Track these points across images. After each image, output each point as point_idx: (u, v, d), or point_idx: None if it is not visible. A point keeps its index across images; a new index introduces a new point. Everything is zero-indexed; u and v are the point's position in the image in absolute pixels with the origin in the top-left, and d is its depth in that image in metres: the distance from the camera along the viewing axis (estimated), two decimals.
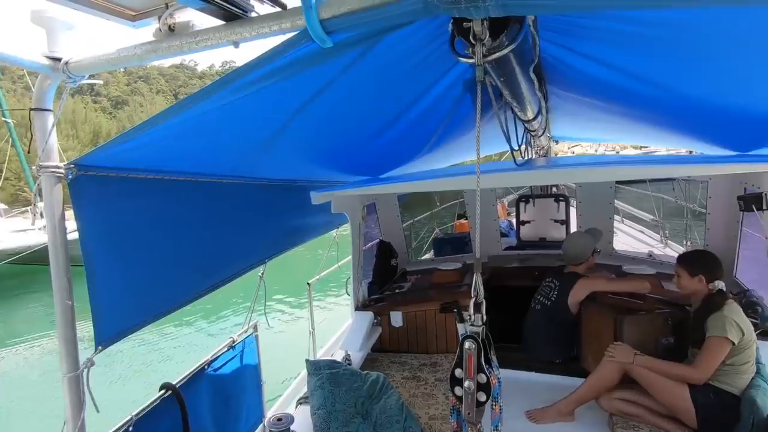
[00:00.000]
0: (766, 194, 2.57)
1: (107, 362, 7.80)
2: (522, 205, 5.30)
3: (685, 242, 5.41)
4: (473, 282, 1.10)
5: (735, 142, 2.43)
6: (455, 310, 3.40)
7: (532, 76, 1.61)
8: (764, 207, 2.60)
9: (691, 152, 4.38)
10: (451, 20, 1.14)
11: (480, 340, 1.11)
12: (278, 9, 1.11)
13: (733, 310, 2.36)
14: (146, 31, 1.39)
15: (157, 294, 2.08)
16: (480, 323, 1.12)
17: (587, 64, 1.83)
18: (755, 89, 1.68)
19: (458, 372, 1.15)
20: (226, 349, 2.84)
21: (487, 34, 1.03)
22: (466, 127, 3.07)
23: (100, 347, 1.73)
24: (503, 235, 5.80)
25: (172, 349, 8.98)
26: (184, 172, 2.06)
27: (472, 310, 1.12)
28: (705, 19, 1.16)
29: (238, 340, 2.96)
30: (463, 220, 7.15)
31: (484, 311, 1.12)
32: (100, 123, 50.08)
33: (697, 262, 2.57)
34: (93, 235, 1.68)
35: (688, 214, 5.05)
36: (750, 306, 2.81)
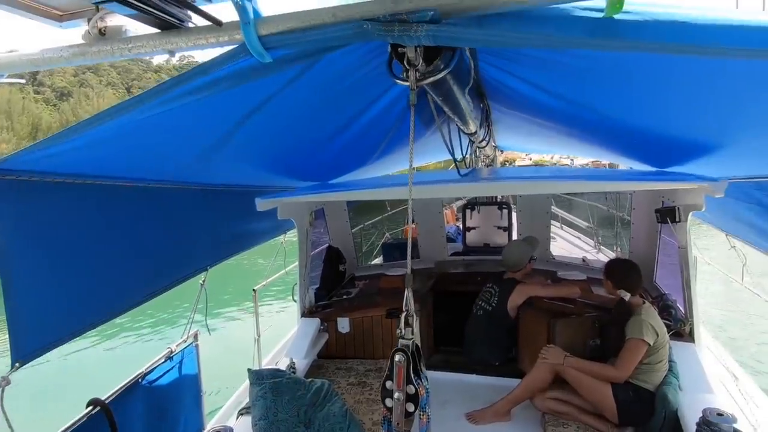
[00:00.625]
0: (679, 208, 2.84)
1: (28, 376, 7.17)
2: (468, 212, 5.48)
3: (615, 248, 5.83)
4: (404, 296, 1.15)
5: (655, 159, 2.68)
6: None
7: (468, 98, 1.69)
8: (678, 219, 2.87)
9: (618, 166, 4.74)
10: (389, 43, 1.18)
11: (410, 353, 1.16)
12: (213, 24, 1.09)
13: (650, 314, 2.59)
14: (74, 33, 1.32)
15: (86, 305, 1.97)
16: (410, 336, 1.17)
17: (523, 86, 1.95)
18: (669, 117, 1.87)
19: (389, 384, 1.19)
20: (162, 360, 2.73)
21: (421, 60, 1.08)
22: (414, 137, 3.15)
23: (17, 364, 1.62)
24: (451, 240, 5.97)
25: (105, 362, 8.35)
26: (117, 177, 1.97)
27: (402, 324, 1.16)
28: (625, 55, 1.28)
29: (177, 351, 2.86)
30: (413, 225, 7.28)
31: (413, 325, 1.17)
32: (40, 115, 45.76)
33: (610, 269, 2.82)
34: (11, 243, 1.57)
35: (618, 222, 5.44)
36: (665, 309, 3.09)
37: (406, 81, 1.14)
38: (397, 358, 1.17)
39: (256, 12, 1.06)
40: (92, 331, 2.07)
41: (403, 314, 1.17)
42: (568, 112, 2.19)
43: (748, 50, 0.86)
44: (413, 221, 6.91)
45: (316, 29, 1.03)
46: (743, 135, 1.82)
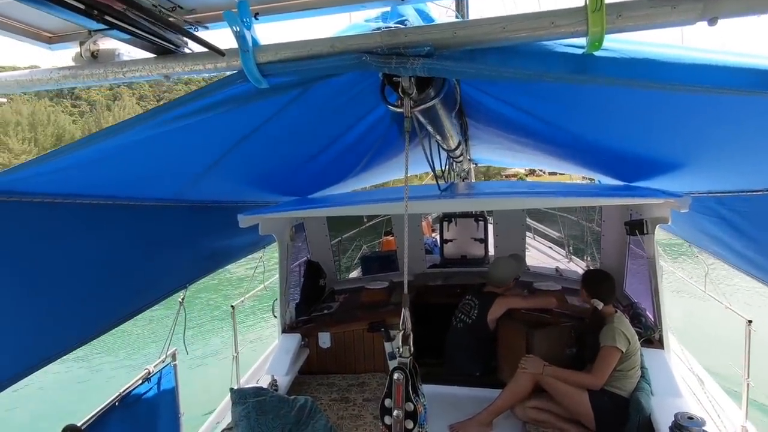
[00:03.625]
0: (646, 221, 3.00)
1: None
2: (445, 224, 5.58)
3: (585, 258, 6.04)
4: (401, 315, 1.18)
5: (625, 174, 2.83)
6: (383, 329, 3.48)
7: (453, 120, 1.76)
8: (645, 232, 3.03)
9: (591, 180, 4.95)
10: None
11: (408, 371, 1.19)
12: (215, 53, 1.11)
13: (622, 322, 2.71)
14: (65, 54, 1.32)
15: (62, 328, 1.91)
16: (408, 355, 1.20)
17: (501, 105, 2.04)
18: (638, 137, 1.99)
19: (387, 402, 1.22)
20: (140, 381, 2.65)
21: (415, 90, 1.13)
22: (394, 152, 3.21)
23: None
24: (428, 252, 6.04)
25: (81, 385, 7.92)
26: (96, 196, 1.92)
27: (400, 343, 1.19)
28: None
29: (154, 371, 2.78)
30: (390, 237, 7.32)
31: (411, 344, 1.20)
32: (64, 127, 46.56)
33: (585, 279, 2.95)
34: None
35: (588, 233, 5.65)
36: (636, 317, 3.23)
37: (400, 108, 1.19)
38: (396, 376, 1.20)
39: (254, 40, 1.09)
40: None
41: (401, 333, 1.20)
42: (544, 130, 2.30)
43: (710, 88, 0.95)
44: (391, 234, 6.99)
45: (314, 59, 1.07)
46: (703, 155, 1.96)
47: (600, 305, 2.78)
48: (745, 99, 1.02)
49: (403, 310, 1.19)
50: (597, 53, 1.01)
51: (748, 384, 2.80)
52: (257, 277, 4.02)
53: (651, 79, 0.96)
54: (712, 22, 0.91)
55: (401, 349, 1.20)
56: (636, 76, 0.97)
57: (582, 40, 1.00)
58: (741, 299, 8.64)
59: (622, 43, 1.03)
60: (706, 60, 0.96)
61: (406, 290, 1.22)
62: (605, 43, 0.98)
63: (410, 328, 1.21)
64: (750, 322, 2.86)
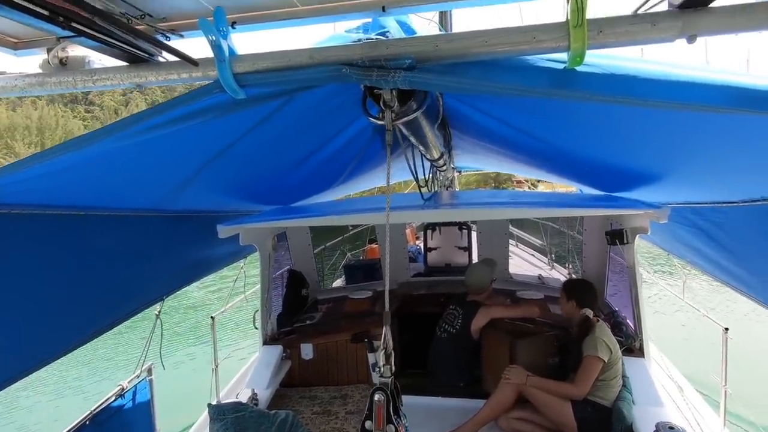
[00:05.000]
0: (626, 231, 3.04)
1: None
2: (429, 232, 5.57)
3: (567, 265, 6.11)
4: (383, 335, 1.15)
5: (605, 184, 2.87)
6: (366, 339, 3.44)
7: (435, 132, 1.75)
8: (625, 241, 3.07)
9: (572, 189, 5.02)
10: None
11: (389, 392, 1.16)
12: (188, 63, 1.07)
13: (603, 331, 2.72)
14: (31, 60, 1.26)
15: (32, 343, 1.82)
16: (389, 374, 1.17)
17: (484, 117, 2.05)
18: (618, 150, 2.02)
19: (368, 424, 1.18)
20: (113, 398, 2.55)
21: (396, 102, 1.11)
22: (377, 161, 3.19)
23: None
24: (412, 260, 6.02)
25: (49, 403, 7.58)
26: (69, 207, 1.85)
27: (381, 361, 1.16)
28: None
29: (129, 387, 2.68)
30: (374, 245, 7.29)
31: (393, 363, 1.17)
32: (72, 131, 47.13)
33: (572, 289, 2.96)
34: None
35: (570, 241, 5.71)
36: (617, 326, 3.26)
37: (382, 121, 1.17)
38: (376, 397, 1.16)
39: (231, 50, 1.06)
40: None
41: (382, 351, 1.17)
42: (526, 142, 2.31)
43: (689, 105, 0.96)
44: (374, 241, 6.95)
45: (293, 70, 1.04)
46: (681, 168, 1.99)
47: (591, 313, 2.80)
48: (721, 116, 1.03)
49: (384, 328, 1.16)
50: (579, 68, 1.00)
51: (725, 391, 2.85)
52: (238, 288, 3.94)
53: (631, 96, 0.96)
54: (690, 39, 0.91)
55: (382, 369, 1.17)
56: (617, 93, 0.97)
57: (564, 55, 1.00)
58: (718, 307, 8.86)
59: (604, 58, 1.03)
60: (684, 77, 0.96)
61: (387, 307, 1.19)
62: (587, 59, 0.98)
63: (391, 347, 1.18)
64: (726, 330, 2.91)
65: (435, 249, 5.56)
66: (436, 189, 4.30)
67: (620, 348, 2.81)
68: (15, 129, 44.06)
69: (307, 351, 3.55)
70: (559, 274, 5.82)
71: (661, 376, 3.10)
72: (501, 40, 0.96)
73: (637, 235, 2.94)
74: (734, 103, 0.91)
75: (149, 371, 2.86)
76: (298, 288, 4.23)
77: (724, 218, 2.18)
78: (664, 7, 0.93)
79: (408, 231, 7.52)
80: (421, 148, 2.17)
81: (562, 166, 2.86)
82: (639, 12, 0.94)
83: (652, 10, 0.93)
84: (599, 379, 2.66)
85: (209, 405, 2.53)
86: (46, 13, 0.84)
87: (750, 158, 1.49)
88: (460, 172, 8.78)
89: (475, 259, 5.35)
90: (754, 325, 8.14)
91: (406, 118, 1.18)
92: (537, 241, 7.93)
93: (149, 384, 2.87)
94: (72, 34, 0.93)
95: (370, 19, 1.16)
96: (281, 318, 3.89)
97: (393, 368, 1.18)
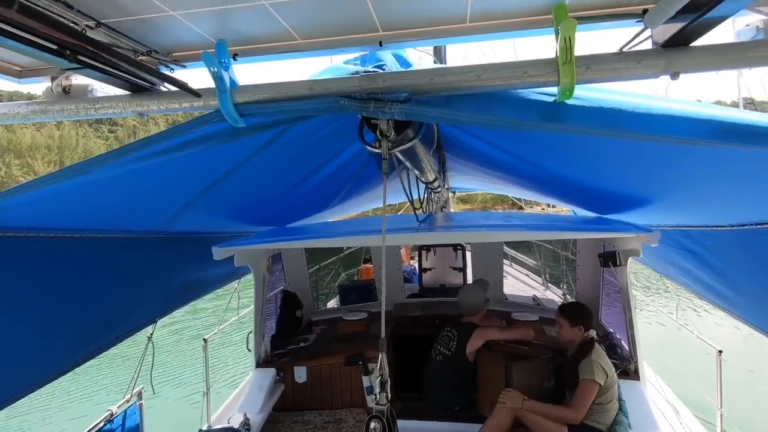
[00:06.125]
0: (619, 253, 3.07)
1: None
2: (424, 253, 5.58)
3: (562, 286, 6.12)
4: (379, 362, 1.15)
5: (597, 207, 2.91)
6: (360, 362, 3.40)
7: (432, 157, 1.79)
8: (618, 263, 3.10)
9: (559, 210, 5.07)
10: None
11: (385, 419, 1.15)
12: (191, 95, 1.10)
13: (599, 355, 2.72)
14: (34, 87, 1.28)
15: (21, 369, 1.79)
16: (385, 402, 1.16)
17: (478, 142, 2.09)
18: (611, 175, 2.06)
19: None
20: (102, 423, 2.50)
21: (393, 131, 1.14)
22: (372, 184, 3.23)
23: None
24: (407, 280, 6.01)
25: (39, 428, 7.36)
26: (63, 229, 1.84)
27: (378, 389, 1.16)
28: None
29: (118, 412, 2.62)
30: (368, 265, 7.27)
31: (389, 390, 1.17)
32: (90, 149, 49.40)
33: (575, 313, 2.92)
34: None
35: (564, 262, 5.74)
36: (612, 348, 3.26)
37: (378, 149, 1.20)
38: (372, 425, 1.15)
39: (233, 81, 1.09)
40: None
41: (378, 379, 1.17)
42: (520, 166, 2.35)
43: (676, 138, 1.00)
44: (369, 261, 6.94)
45: (293, 101, 1.07)
46: (671, 192, 2.04)
47: (594, 334, 2.79)
48: (706, 149, 1.07)
49: (380, 355, 1.16)
50: (569, 101, 1.04)
51: (721, 414, 2.84)
52: (231, 309, 3.91)
53: (619, 130, 1.00)
54: (674, 76, 0.96)
55: (378, 396, 1.17)
56: (605, 126, 1.01)
57: (554, 89, 1.04)
58: (713, 328, 8.87)
59: (593, 91, 1.07)
60: (669, 110, 1.00)
61: (383, 334, 1.20)
62: (576, 92, 1.02)
63: (387, 375, 1.18)
64: (720, 352, 2.92)
65: (430, 270, 5.56)
66: (430, 210, 4.33)
67: (615, 371, 2.80)
68: (37, 148, 46.55)
69: (300, 374, 3.50)
70: (554, 295, 5.82)
71: (657, 399, 3.09)
72: (493, 75, 1.00)
73: (630, 258, 2.97)
74: (717, 136, 0.95)
75: (139, 395, 2.81)
76: (292, 309, 4.20)
77: (713, 242, 2.21)
78: (648, 45, 0.97)
79: (403, 251, 7.52)
80: (417, 171, 2.20)
81: (555, 188, 2.91)
82: (624, 50, 0.99)
83: (636, 48, 0.98)
84: (595, 403, 2.64)
85: (200, 431, 2.49)
86: (54, 47, 0.87)
87: (736, 185, 1.54)
88: (454, 192, 8.86)
89: (470, 279, 5.35)
90: (750, 346, 8.15)
91: (402, 147, 1.21)
92: (531, 262, 7.96)
93: (139, 408, 2.81)
94: (78, 66, 0.96)
95: (367, 52, 1.20)
96: (275, 340, 3.85)
97: (389, 395, 1.18)
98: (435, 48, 3.15)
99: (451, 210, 9.54)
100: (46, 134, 48.23)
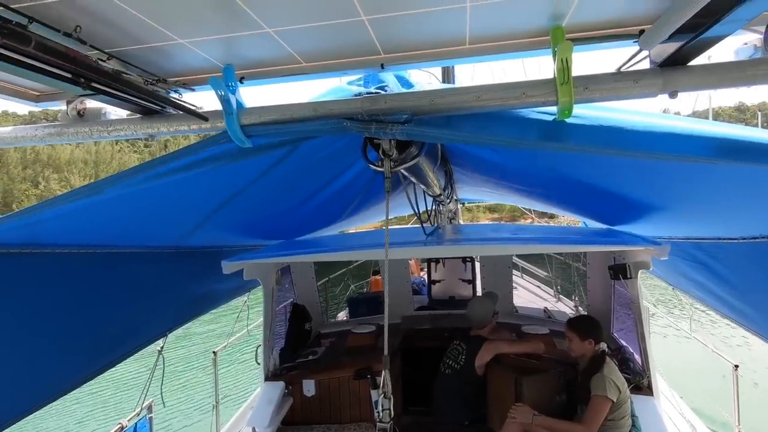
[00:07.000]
0: (629, 266, 3.03)
1: None
2: (433, 264, 5.56)
3: (573, 297, 6.04)
4: (382, 379, 1.16)
5: (607, 218, 2.89)
6: (369, 376, 3.39)
7: (437, 171, 1.81)
8: (629, 276, 3.06)
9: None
10: None
11: None
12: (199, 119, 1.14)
13: (612, 370, 2.67)
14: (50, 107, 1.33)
15: (33, 383, 1.83)
16: (388, 419, 1.16)
17: (485, 152, 2.10)
18: (621, 183, 2.05)
19: None
20: None
21: (395, 150, 1.17)
22: (379, 199, 3.25)
23: None
24: (416, 292, 5.98)
25: None
26: (71, 245, 1.88)
27: (381, 406, 1.16)
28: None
29: (128, 426, 2.65)
30: (378, 276, 7.26)
31: (392, 407, 1.17)
32: (125, 163, 51.91)
33: (584, 327, 2.88)
34: None
35: (575, 274, 5.67)
36: (624, 362, 3.20)
37: (381, 168, 1.22)
38: None
39: (239, 103, 1.13)
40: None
41: (381, 396, 1.17)
42: (528, 178, 2.36)
43: (676, 156, 1.00)
44: (378, 273, 6.93)
45: (297, 122, 1.10)
46: (680, 204, 2.03)
47: (605, 347, 2.75)
48: (709, 166, 1.07)
49: (383, 372, 1.17)
50: (568, 120, 1.05)
51: (739, 431, 2.77)
52: (241, 322, 3.93)
53: (619, 148, 1.01)
54: (672, 95, 0.97)
55: (381, 414, 1.17)
56: (606, 145, 1.02)
57: (553, 108, 1.05)
58: (729, 340, 8.65)
59: (593, 109, 1.08)
60: (668, 128, 1.01)
61: (386, 351, 1.20)
62: (576, 110, 1.03)
63: (390, 392, 1.18)
64: (736, 367, 2.86)
65: (439, 281, 5.53)
66: (438, 222, 4.33)
67: (628, 385, 2.75)
68: (74, 163, 49.23)
69: (309, 387, 3.50)
70: (566, 307, 5.75)
71: (672, 414, 3.02)
72: (492, 96, 1.02)
73: (640, 270, 2.94)
74: (717, 154, 0.95)
75: (149, 409, 2.84)
76: (301, 322, 4.21)
77: (725, 254, 2.18)
78: (645, 64, 0.99)
79: (412, 263, 7.51)
80: (422, 186, 2.22)
81: (565, 200, 2.90)
82: (622, 69, 1.00)
83: (634, 68, 0.99)
84: (608, 419, 2.59)
85: None
86: (69, 75, 0.91)
87: (746, 197, 1.52)
88: (463, 204, 8.84)
89: (479, 291, 5.31)
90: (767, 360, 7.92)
91: (405, 165, 1.23)
92: (542, 273, 7.88)
93: (149, 422, 2.84)
94: (92, 92, 1.00)
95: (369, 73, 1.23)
96: (284, 353, 3.85)
97: (392, 413, 1.18)
98: (443, 69, 3.18)
99: (461, 222, 9.51)
100: (84, 149, 50.84)
